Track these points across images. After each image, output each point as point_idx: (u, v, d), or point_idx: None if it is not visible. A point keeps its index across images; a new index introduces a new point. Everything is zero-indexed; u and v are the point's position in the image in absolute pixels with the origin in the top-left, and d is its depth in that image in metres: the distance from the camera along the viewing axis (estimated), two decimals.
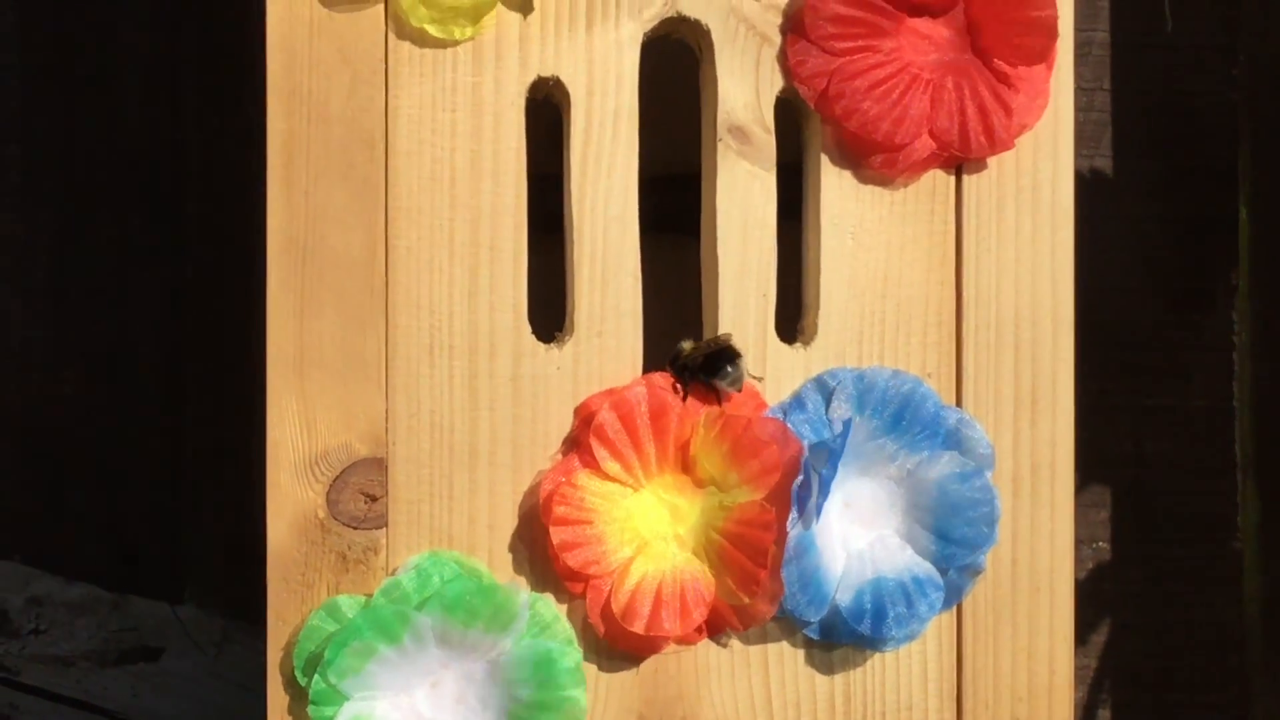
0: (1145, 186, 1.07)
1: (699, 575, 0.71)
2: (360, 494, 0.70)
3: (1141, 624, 1.08)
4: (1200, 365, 1.08)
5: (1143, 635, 1.08)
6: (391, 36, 0.70)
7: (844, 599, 0.72)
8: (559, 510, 0.69)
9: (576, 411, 0.71)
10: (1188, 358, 1.08)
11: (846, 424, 0.71)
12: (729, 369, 0.71)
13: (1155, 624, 1.08)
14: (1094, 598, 1.07)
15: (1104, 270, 1.05)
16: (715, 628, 0.72)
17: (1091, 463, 1.06)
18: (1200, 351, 1.08)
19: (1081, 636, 1.06)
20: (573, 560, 0.70)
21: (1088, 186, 1.04)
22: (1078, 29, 0.75)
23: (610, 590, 0.70)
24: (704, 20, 0.72)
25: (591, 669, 0.72)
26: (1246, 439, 1.07)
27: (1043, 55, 0.73)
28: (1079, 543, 1.06)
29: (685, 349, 0.72)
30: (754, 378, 0.72)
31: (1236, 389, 1.08)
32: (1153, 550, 1.08)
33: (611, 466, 0.70)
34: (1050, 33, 0.73)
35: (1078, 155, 0.76)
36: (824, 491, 0.70)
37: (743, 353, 0.72)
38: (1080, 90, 1.02)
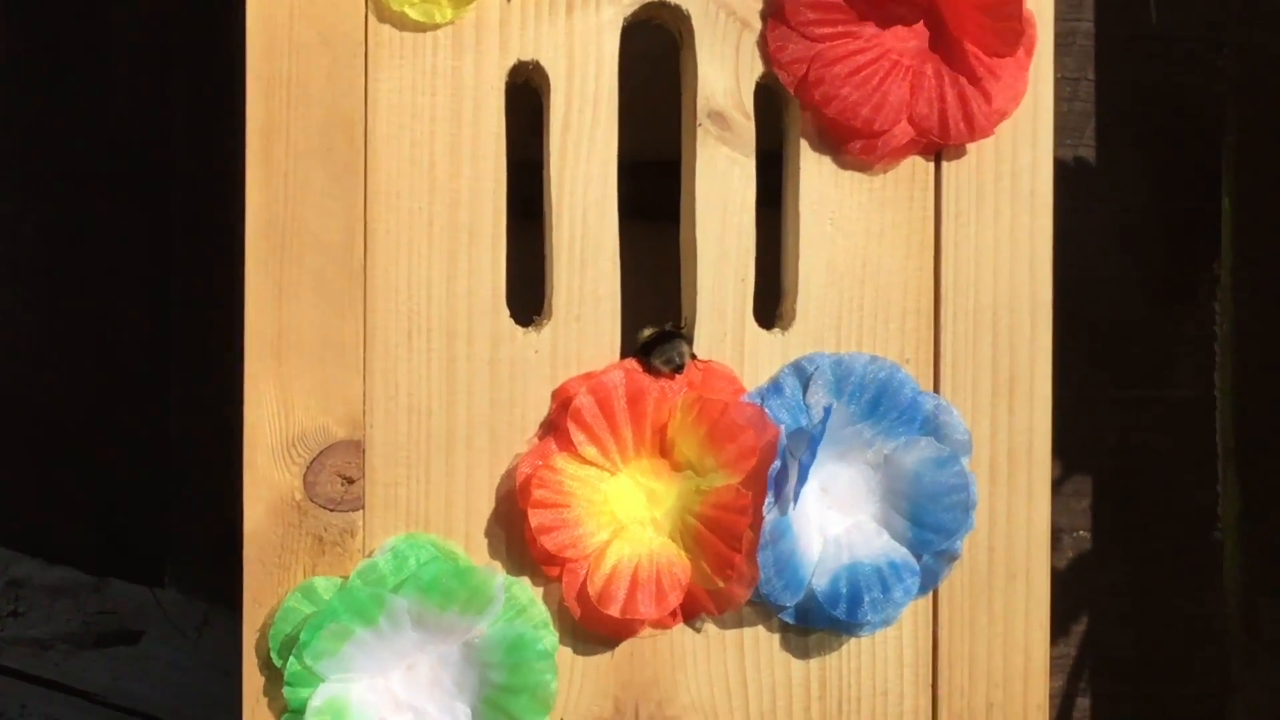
0: (1128, 177, 1.07)
1: (675, 559, 0.71)
2: (337, 476, 0.70)
3: (1121, 613, 1.08)
4: (1183, 356, 1.08)
5: (1123, 625, 1.08)
6: (372, 19, 0.70)
7: (820, 584, 0.72)
8: (537, 494, 0.69)
9: (554, 395, 0.72)
10: (1170, 348, 1.08)
11: (827, 410, 0.71)
12: (663, 348, 0.71)
13: (1135, 613, 1.08)
14: (1074, 587, 1.07)
15: (1087, 260, 1.05)
16: (690, 612, 0.72)
17: (1073, 452, 1.06)
18: (1182, 343, 1.08)
19: (1061, 625, 1.06)
20: (550, 544, 0.70)
21: (1071, 176, 1.04)
22: (1062, 19, 0.75)
23: (586, 574, 0.70)
24: (684, 5, 0.72)
25: (567, 652, 0.72)
26: (1228, 430, 1.07)
27: (1014, 48, 0.73)
28: (1060, 532, 1.06)
29: (644, 335, 0.72)
30: (693, 357, 0.72)
31: (1218, 380, 1.08)
32: (1134, 540, 1.08)
33: (589, 450, 0.70)
34: (1017, 33, 0.72)
35: (1061, 145, 0.76)
36: (802, 477, 0.70)
37: (689, 337, 0.72)
38: (1064, 80, 1.02)
